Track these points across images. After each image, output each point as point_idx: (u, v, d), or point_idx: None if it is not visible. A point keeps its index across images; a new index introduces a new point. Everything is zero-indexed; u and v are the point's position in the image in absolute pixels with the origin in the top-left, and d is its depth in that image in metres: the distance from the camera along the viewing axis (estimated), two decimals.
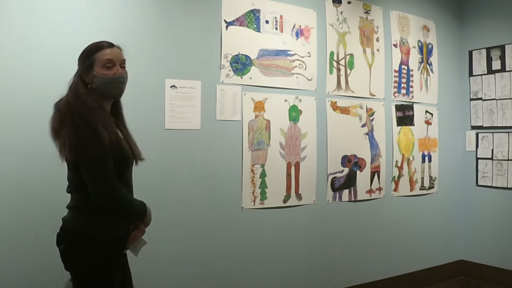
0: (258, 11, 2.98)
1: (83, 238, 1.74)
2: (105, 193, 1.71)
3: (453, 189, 4.03)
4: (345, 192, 3.37)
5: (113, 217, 1.77)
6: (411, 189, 3.76)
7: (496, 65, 3.84)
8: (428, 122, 3.88)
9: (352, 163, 3.40)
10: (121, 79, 1.82)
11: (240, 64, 2.90)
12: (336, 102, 3.33)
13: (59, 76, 2.26)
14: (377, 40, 3.57)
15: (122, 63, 1.84)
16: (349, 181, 3.39)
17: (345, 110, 3.38)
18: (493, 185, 3.84)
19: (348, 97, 3.40)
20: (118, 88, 1.82)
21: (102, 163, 1.69)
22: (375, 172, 3.52)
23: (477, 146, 3.98)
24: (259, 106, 2.96)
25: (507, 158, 3.75)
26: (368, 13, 3.53)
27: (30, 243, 2.23)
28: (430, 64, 3.92)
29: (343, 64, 3.38)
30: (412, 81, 3.78)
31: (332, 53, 3.32)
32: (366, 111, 3.48)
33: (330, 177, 3.30)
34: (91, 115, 1.71)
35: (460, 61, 4.12)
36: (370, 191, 3.50)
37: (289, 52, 3.10)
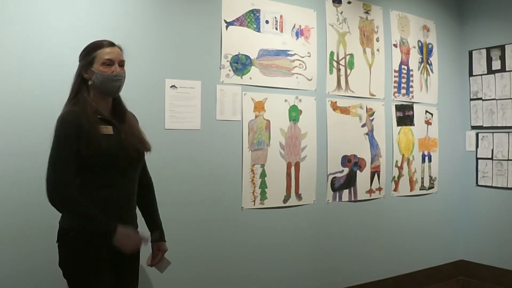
0: (258, 11, 2.98)
1: (61, 232, 1.85)
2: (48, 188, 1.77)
3: (453, 189, 4.03)
4: (345, 192, 3.37)
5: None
6: (411, 189, 3.76)
7: (496, 65, 3.84)
8: (428, 122, 3.88)
9: (352, 163, 3.40)
10: (119, 77, 1.88)
11: (240, 64, 2.90)
12: (336, 102, 3.33)
13: (59, 76, 2.27)
14: (377, 40, 3.57)
15: (121, 63, 1.91)
16: (349, 181, 3.39)
17: (345, 110, 3.38)
18: (493, 185, 3.84)
19: (348, 97, 3.40)
20: (114, 86, 1.88)
21: (54, 156, 1.77)
22: (375, 172, 3.52)
23: (477, 146, 3.98)
24: (259, 106, 2.96)
25: (507, 158, 3.74)
26: (368, 13, 3.53)
27: (30, 243, 2.23)
28: (430, 64, 3.92)
29: (343, 64, 3.38)
30: (412, 81, 3.78)
31: (332, 53, 3.32)
32: (366, 111, 3.48)
33: (330, 177, 3.30)
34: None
35: (460, 61, 4.12)
36: (370, 191, 3.50)
37: (289, 52, 3.10)
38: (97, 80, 1.85)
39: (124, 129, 1.92)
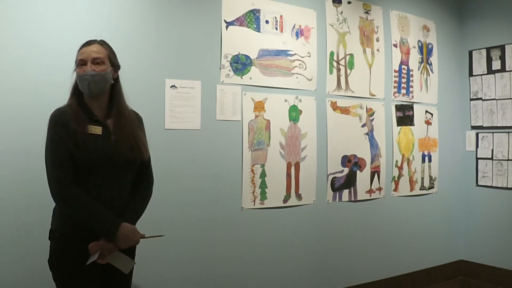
0: (258, 11, 2.98)
1: (49, 233, 1.87)
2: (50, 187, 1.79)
3: (453, 189, 4.04)
4: (345, 192, 3.37)
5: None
6: (411, 189, 3.76)
7: (496, 65, 3.84)
8: (428, 122, 3.88)
9: (352, 163, 3.40)
10: (85, 77, 1.82)
11: (240, 64, 2.90)
12: (336, 102, 3.33)
13: (59, 76, 2.27)
14: (377, 40, 3.57)
15: (94, 60, 1.84)
16: (349, 181, 3.39)
17: (345, 110, 3.38)
18: (493, 185, 3.84)
19: (348, 97, 3.40)
20: (84, 86, 1.83)
21: (50, 156, 1.80)
22: (375, 172, 3.52)
23: (477, 146, 3.98)
24: (259, 106, 2.96)
25: (507, 158, 3.74)
26: (368, 13, 3.53)
27: (30, 243, 2.23)
28: (430, 64, 3.92)
29: (343, 64, 3.38)
30: (412, 81, 3.78)
31: (332, 53, 3.32)
32: (366, 111, 3.48)
33: (330, 177, 3.30)
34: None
35: (460, 61, 4.12)
36: (370, 191, 3.50)
37: (289, 52, 3.10)
38: (77, 83, 1.86)
39: (116, 131, 1.86)
